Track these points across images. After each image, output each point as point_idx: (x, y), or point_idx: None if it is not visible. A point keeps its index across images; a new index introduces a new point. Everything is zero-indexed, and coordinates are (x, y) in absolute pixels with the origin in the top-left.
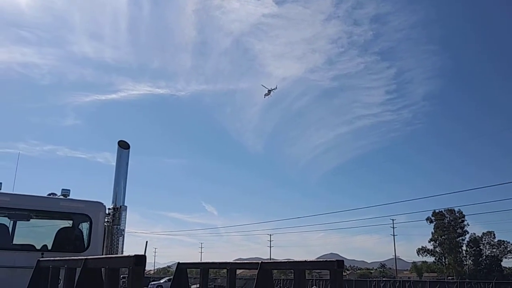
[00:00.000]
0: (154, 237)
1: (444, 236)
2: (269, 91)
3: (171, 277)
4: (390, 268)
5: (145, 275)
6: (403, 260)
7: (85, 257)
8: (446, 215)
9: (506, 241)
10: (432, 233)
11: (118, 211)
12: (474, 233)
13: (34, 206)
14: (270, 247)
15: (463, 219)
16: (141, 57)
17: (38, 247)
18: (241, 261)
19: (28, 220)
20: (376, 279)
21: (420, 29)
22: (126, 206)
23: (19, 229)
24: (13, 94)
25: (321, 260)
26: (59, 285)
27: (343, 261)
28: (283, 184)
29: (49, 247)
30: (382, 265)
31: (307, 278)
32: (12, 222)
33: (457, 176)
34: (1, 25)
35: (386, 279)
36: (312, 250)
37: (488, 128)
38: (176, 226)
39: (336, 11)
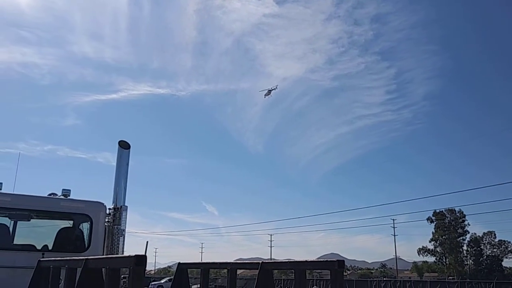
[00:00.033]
0: (154, 237)
1: (444, 236)
2: (270, 90)
3: (172, 277)
4: (391, 268)
5: (146, 275)
6: (404, 260)
7: (86, 257)
8: (447, 215)
9: (506, 241)
10: (432, 233)
11: (118, 211)
12: (475, 233)
13: (35, 206)
14: (271, 247)
15: (463, 219)
16: (141, 57)
17: (38, 247)
18: (241, 261)
19: (29, 220)
20: (377, 279)
21: (421, 29)
22: (126, 206)
23: (20, 229)
24: (13, 94)
25: (321, 260)
26: (60, 285)
27: (343, 261)
28: (284, 184)
29: (50, 247)
30: (383, 265)
31: (307, 278)
32: (12, 222)
33: (458, 176)
34: (1, 25)
35: (386, 279)
36: (312, 250)
37: (489, 128)
38: (176, 226)
39: (336, 11)
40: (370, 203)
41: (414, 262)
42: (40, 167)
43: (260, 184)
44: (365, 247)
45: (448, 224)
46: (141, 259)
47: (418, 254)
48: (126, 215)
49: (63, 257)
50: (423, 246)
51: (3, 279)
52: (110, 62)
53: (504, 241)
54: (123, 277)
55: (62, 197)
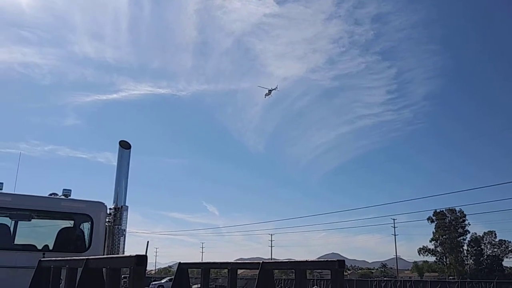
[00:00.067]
0: (155, 237)
1: (445, 235)
2: (270, 91)
3: (172, 277)
4: (391, 268)
5: (146, 275)
6: (404, 260)
7: (87, 257)
8: (447, 215)
9: (507, 240)
10: (433, 232)
11: (119, 211)
12: (475, 233)
13: (36, 206)
14: (271, 247)
15: (464, 218)
16: (142, 57)
17: (39, 247)
18: (242, 261)
19: (30, 220)
20: (377, 279)
21: (421, 28)
22: (127, 206)
23: (21, 229)
24: (13, 94)
25: (322, 260)
26: (61, 285)
27: (344, 261)
28: (284, 184)
29: (51, 247)
30: (383, 265)
31: (308, 278)
32: (13, 222)
33: (458, 176)
34: (1, 25)
35: (387, 279)
36: (313, 250)
37: (489, 128)
38: (177, 226)
39: (337, 11)
40: (371, 203)
41: (415, 262)
42: (41, 167)
43: (260, 184)
44: (366, 247)
45: (448, 224)
46: (141, 259)
47: (419, 254)
48: (127, 215)
49: (64, 257)
50: (423, 246)
51: (4, 279)
52: (111, 62)
53: (504, 240)
54: (123, 277)
55: (62, 197)
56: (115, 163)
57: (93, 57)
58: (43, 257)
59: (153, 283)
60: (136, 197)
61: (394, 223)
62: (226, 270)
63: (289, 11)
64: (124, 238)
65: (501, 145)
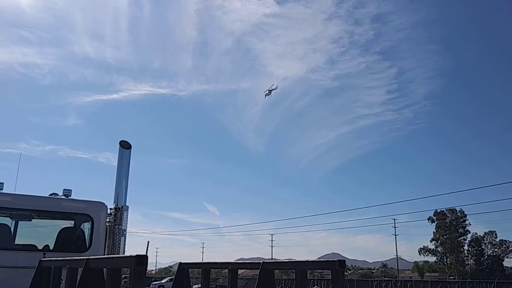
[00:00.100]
0: (155, 237)
1: (445, 235)
2: (270, 90)
3: (173, 277)
4: (392, 268)
5: (147, 275)
6: (405, 260)
7: (87, 257)
8: (448, 215)
9: (508, 240)
10: (433, 232)
11: (119, 211)
12: (476, 233)
13: (36, 206)
14: (272, 247)
15: (464, 218)
16: (142, 57)
17: (40, 247)
18: (242, 261)
19: (30, 220)
20: (378, 279)
21: (421, 28)
22: (127, 206)
23: (21, 229)
24: (14, 94)
25: (322, 260)
26: (61, 285)
27: (344, 261)
28: (285, 184)
29: (51, 247)
30: (384, 265)
31: (308, 278)
32: (14, 222)
33: (459, 176)
34: (2, 25)
35: (387, 279)
36: (313, 250)
37: (489, 128)
38: (177, 226)
39: (337, 11)
40: (371, 203)
41: (415, 262)
42: (41, 167)
43: (260, 184)
44: (366, 247)
45: (449, 224)
46: (142, 259)
47: (419, 254)
48: (127, 215)
49: (64, 257)
50: (424, 246)
51: (5, 279)
52: (111, 62)
53: (505, 240)
54: (124, 277)
55: (63, 197)
56: (116, 163)
57: (93, 57)
58: (44, 257)
59: (154, 283)
60: (136, 197)
61: (394, 223)
62: (226, 270)
63: (289, 11)
64: (125, 238)
65: (502, 145)
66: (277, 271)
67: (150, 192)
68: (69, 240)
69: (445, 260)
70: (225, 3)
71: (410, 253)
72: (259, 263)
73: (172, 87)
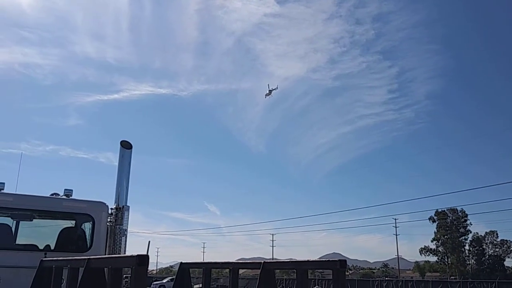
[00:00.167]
0: (156, 237)
1: (446, 235)
2: (270, 91)
3: (174, 277)
4: (393, 268)
5: (148, 275)
6: (406, 260)
7: (88, 257)
8: (449, 215)
9: (509, 240)
10: (434, 232)
11: (120, 211)
12: (477, 233)
13: (37, 206)
14: (273, 246)
15: (465, 218)
16: (143, 57)
17: (41, 247)
18: (243, 261)
19: (31, 220)
20: (379, 278)
21: (422, 28)
22: (128, 206)
23: (22, 229)
24: (15, 94)
25: (323, 259)
26: (62, 285)
27: (345, 260)
28: (286, 183)
29: (52, 247)
30: (385, 264)
31: (309, 277)
32: (15, 222)
33: (460, 176)
34: (2, 26)
35: (388, 278)
36: (314, 250)
37: (490, 128)
38: (178, 226)
39: (338, 10)
40: (372, 202)
41: (416, 262)
42: (42, 167)
43: (261, 183)
44: (367, 246)
45: (450, 224)
46: (143, 259)
47: (420, 254)
48: (128, 215)
49: (65, 257)
50: (425, 246)
51: (6, 279)
52: (112, 62)
53: (506, 240)
54: (125, 276)
55: (64, 197)
56: (117, 163)
57: (94, 57)
58: (45, 257)
59: (155, 283)
60: (137, 197)
61: (395, 223)
62: (227, 270)
63: (290, 11)
64: (126, 238)
65: (503, 144)
66: (278, 271)
67: (151, 192)
68: (70, 240)
69: (446, 260)
70: (225, 3)
71: (411, 253)
72: (260, 263)
73: (173, 87)
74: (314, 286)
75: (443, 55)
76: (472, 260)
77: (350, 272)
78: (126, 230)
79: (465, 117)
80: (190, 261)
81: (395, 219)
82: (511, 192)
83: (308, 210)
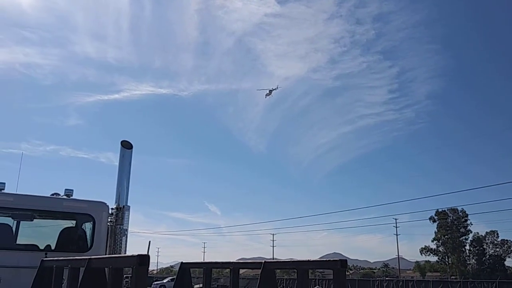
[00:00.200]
0: (157, 237)
1: (447, 235)
2: (270, 91)
3: (174, 276)
4: (393, 268)
5: (148, 275)
6: (406, 260)
7: (89, 257)
8: (449, 215)
9: (509, 240)
10: (435, 232)
11: (121, 211)
12: (478, 233)
13: (38, 206)
14: (273, 246)
15: (466, 218)
16: (143, 57)
17: (41, 247)
18: (244, 261)
19: (32, 220)
20: (379, 278)
21: (423, 28)
22: (129, 206)
23: (23, 229)
24: (15, 94)
25: (324, 259)
26: (63, 285)
27: (346, 260)
28: (286, 183)
29: (53, 247)
30: (385, 264)
31: (310, 277)
32: (15, 222)
33: (460, 176)
34: (3, 26)
35: (389, 278)
36: (315, 250)
37: (491, 128)
38: (179, 226)
39: (338, 10)
40: (372, 202)
41: (417, 262)
42: (43, 167)
43: (262, 183)
44: (368, 246)
45: (450, 224)
46: (144, 259)
47: (421, 254)
48: (129, 215)
49: (66, 257)
50: (425, 246)
51: (7, 279)
52: (112, 62)
53: (506, 240)
54: (125, 276)
55: (64, 197)
56: (117, 163)
57: (95, 57)
58: (45, 257)
59: (155, 283)
60: (138, 197)
61: (396, 222)
62: (228, 270)
63: (290, 10)
64: (126, 238)
65: (503, 144)
66: (278, 270)
67: (152, 192)
68: (70, 240)
69: (446, 260)
70: (226, 3)
71: (411, 253)
72: (261, 262)
73: (174, 87)
74: (315, 286)
75: (443, 55)
76: (473, 260)
77: (351, 272)
78: (126, 230)
79: (465, 117)
80: (191, 261)
81: (396, 219)
82: (511, 192)
83: (308, 210)
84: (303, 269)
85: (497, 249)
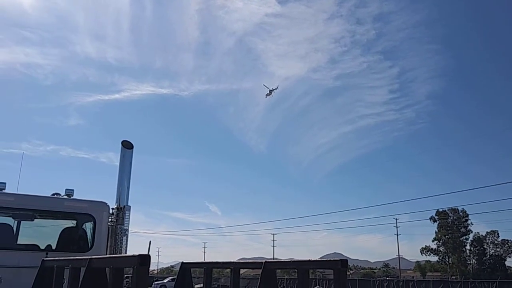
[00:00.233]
0: (157, 237)
1: (447, 235)
2: (271, 91)
3: (175, 276)
4: (394, 268)
5: (149, 275)
6: (407, 260)
7: (90, 257)
8: (450, 214)
9: (510, 240)
10: (435, 232)
11: (121, 211)
12: (478, 232)
13: (38, 206)
14: (274, 246)
15: (466, 218)
16: (143, 57)
17: (42, 247)
18: (244, 261)
19: (32, 220)
20: (380, 278)
21: (423, 28)
22: (129, 206)
23: (24, 229)
24: (16, 94)
25: (324, 259)
26: (64, 284)
27: (346, 260)
28: (286, 183)
29: (53, 247)
30: (386, 264)
31: (310, 277)
32: (16, 222)
33: (460, 176)
34: (3, 26)
35: (389, 278)
36: (315, 250)
37: (491, 128)
38: (179, 225)
39: (339, 10)
40: (373, 202)
41: (417, 262)
42: (43, 167)
43: (262, 183)
44: (368, 246)
45: (451, 224)
46: (145, 259)
47: (421, 254)
48: (129, 214)
49: (67, 256)
50: (426, 246)
51: (7, 279)
52: (113, 62)
53: (507, 240)
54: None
55: (65, 197)
56: (118, 163)
57: (95, 57)
58: (46, 257)
59: (156, 282)
60: (138, 197)
61: (396, 222)
62: (228, 270)
63: (291, 10)
64: (127, 237)
65: (503, 144)
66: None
67: (152, 192)
68: (71, 240)
69: (447, 259)
70: (226, 3)
71: (412, 252)
72: (261, 262)
73: (174, 87)
74: (315, 286)
75: (444, 55)
76: (473, 260)
77: (351, 272)
78: (127, 230)
79: (465, 117)
80: (191, 261)
81: (396, 219)
82: (511, 192)
83: (308, 210)
84: (303, 269)
85: (498, 249)
